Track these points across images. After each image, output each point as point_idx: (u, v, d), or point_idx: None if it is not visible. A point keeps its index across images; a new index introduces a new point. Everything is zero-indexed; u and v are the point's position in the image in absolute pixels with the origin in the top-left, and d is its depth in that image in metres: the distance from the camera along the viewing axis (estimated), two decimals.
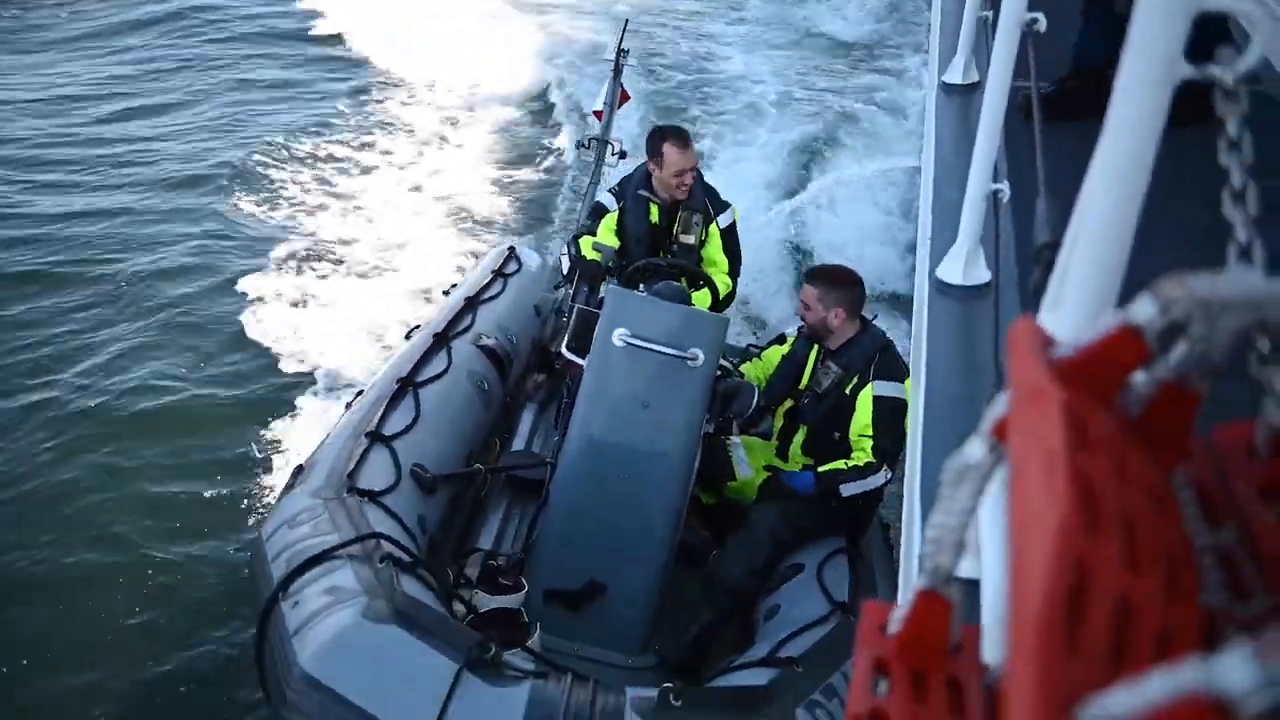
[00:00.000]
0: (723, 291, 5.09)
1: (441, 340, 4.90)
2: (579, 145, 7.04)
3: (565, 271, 5.38)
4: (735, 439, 4.61)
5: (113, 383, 6.27)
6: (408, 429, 4.27)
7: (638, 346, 4.16)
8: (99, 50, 12.26)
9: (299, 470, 4.07)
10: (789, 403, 4.63)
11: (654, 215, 5.12)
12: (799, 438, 4.57)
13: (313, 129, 10.31)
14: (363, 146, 10.14)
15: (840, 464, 4.30)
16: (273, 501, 4.23)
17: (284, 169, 9.42)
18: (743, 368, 4.84)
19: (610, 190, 5.36)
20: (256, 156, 9.48)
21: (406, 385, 4.49)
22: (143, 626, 4.73)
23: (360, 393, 4.67)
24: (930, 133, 3.99)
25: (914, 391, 2.57)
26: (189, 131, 10.12)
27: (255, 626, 3.49)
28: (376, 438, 4.12)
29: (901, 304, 7.19)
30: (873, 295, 6.22)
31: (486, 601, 3.83)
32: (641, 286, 4.68)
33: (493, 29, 13.17)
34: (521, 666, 3.26)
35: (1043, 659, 0.48)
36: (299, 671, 3.15)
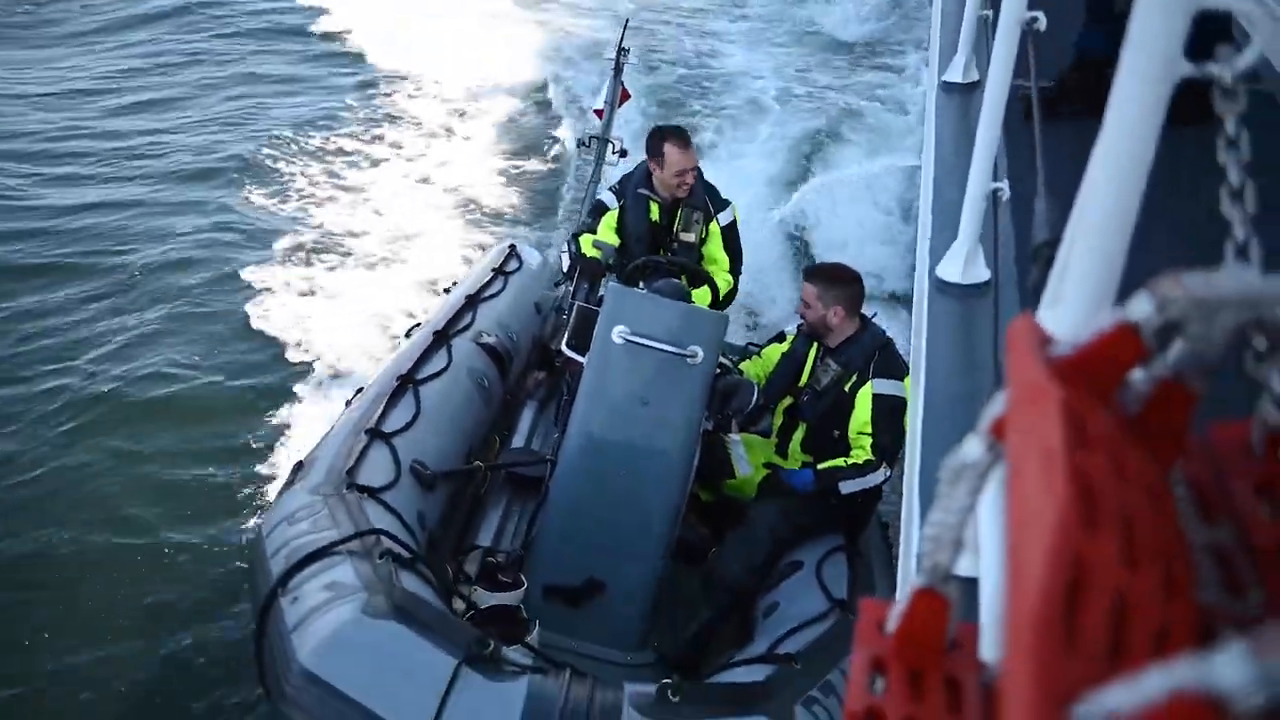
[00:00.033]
0: (724, 289, 5.10)
1: (442, 338, 4.90)
2: (579, 144, 7.04)
3: (565, 269, 5.38)
4: (735, 436, 4.62)
5: (123, 370, 6.37)
6: (407, 426, 4.27)
7: (637, 344, 4.16)
8: (110, 45, 12.38)
9: (299, 467, 4.07)
10: (788, 400, 4.64)
11: (654, 213, 5.13)
12: (798, 435, 4.57)
13: (319, 122, 10.41)
14: (369, 140, 10.22)
15: (839, 462, 4.30)
16: (275, 490, 4.24)
17: (291, 162, 9.52)
18: (742, 365, 4.84)
19: (610, 188, 5.36)
20: (265, 150, 9.58)
21: (406, 382, 4.50)
22: (143, 614, 4.77)
23: (360, 390, 4.67)
24: (930, 131, 3.99)
25: (913, 390, 2.57)
26: (198, 125, 10.23)
27: (254, 622, 3.50)
28: (376, 435, 4.13)
29: (901, 302, 7.20)
30: (872, 293, 6.22)
31: (486, 598, 3.84)
32: (641, 284, 4.68)
33: (493, 28, 13.19)
34: (520, 662, 3.26)
35: (1039, 656, 0.48)
36: (298, 667, 3.15)
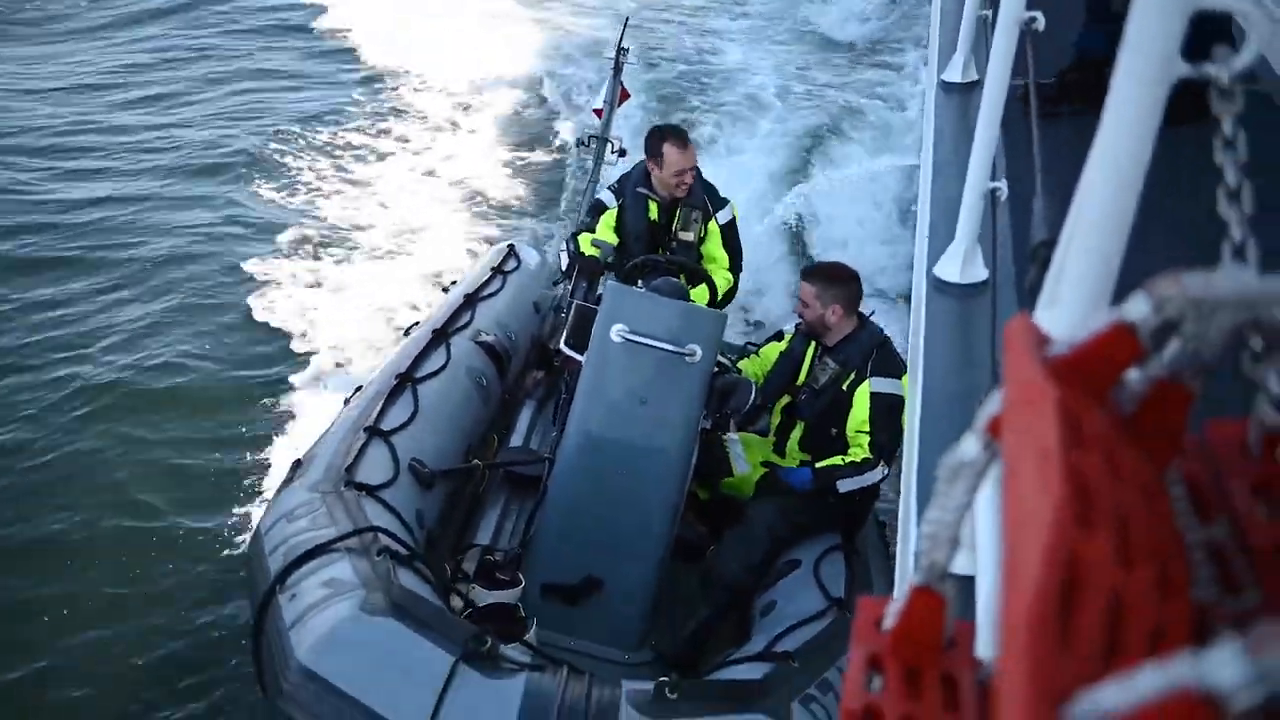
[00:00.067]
0: (724, 288, 5.10)
1: (441, 336, 4.90)
2: (579, 143, 7.05)
3: (564, 268, 5.38)
4: (733, 435, 4.62)
5: (133, 360, 6.51)
6: (406, 424, 4.27)
7: (636, 342, 4.16)
8: (117, 40, 12.52)
9: (297, 464, 4.07)
10: (786, 399, 4.64)
11: (653, 212, 5.13)
12: (796, 434, 4.57)
13: (324, 117, 10.56)
14: (374, 134, 10.36)
15: (837, 460, 4.30)
16: (276, 480, 4.28)
17: (298, 156, 9.66)
18: (740, 364, 4.84)
19: (609, 187, 5.36)
20: (271, 144, 9.73)
21: (405, 381, 4.50)
22: (145, 600, 4.86)
23: (359, 388, 4.67)
24: (929, 131, 4.00)
25: (911, 389, 2.57)
26: (205, 119, 10.35)
27: (252, 619, 3.50)
28: (375, 433, 4.13)
29: (899, 301, 7.20)
30: (871, 293, 6.23)
31: (484, 596, 3.84)
32: (640, 283, 4.68)
33: (494, 27, 13.22)
34: (518, 659, 3.26)
35: (1035, 654, 0.48)
36: (296, 664, 3.15)
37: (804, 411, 4.53)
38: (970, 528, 0.71)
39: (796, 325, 4.67)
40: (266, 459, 5.70)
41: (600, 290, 4.80)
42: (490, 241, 8.04)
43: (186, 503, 5.42)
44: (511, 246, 6.10)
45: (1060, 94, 3.82)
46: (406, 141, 10.29)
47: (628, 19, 7.06)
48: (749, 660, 3.66)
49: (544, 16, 13.99)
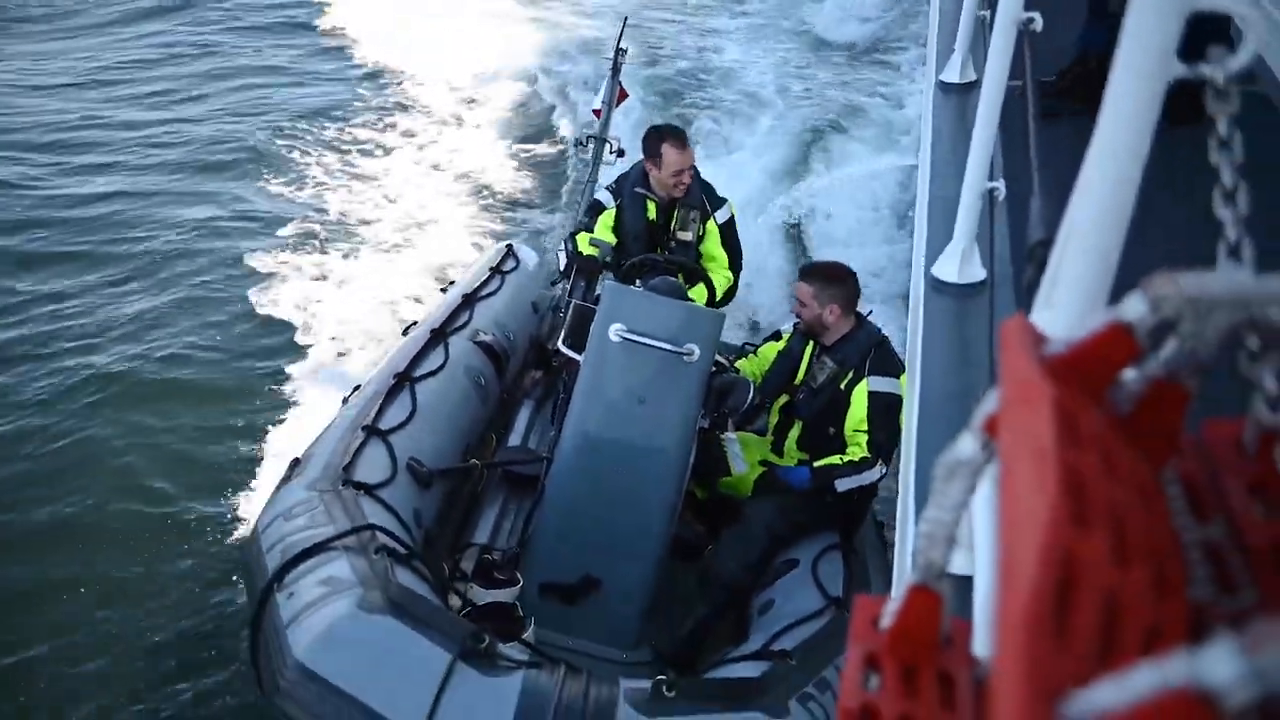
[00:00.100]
0: (724, 286, 5.10)
1: (439, 336, 4.91)
2: (577, 143, 7.05)
3: (562, 268, 5.38)
4: (731, 434, 4.62)
5: (141, 350, 6.70)
6: (404, 423, 4.27)
7: (634, 341, 4.16)
8: (124, 35, 12.73)
9: (295, 463, 4.07)
10: (784, 398, 4.64)
11: (651, 212, 5.13)
12: (794, 433, 4.58)
13: (330, 113, 10.77)
14: (379, 129, 10.55)
15: (835, 459, 4.31)
16: (277, 470, 4.33)
17: (303, 151, 9.84)
18: (739, 364, 4.84)
19: (607, 188, 5.36)
20: (277, 140, 9.91)
21: (403, 380, 4.50)
22: (146, 583, 4.94)
23: (358, 387, 4.68)
24: (927, 131, 4.00)
25: (909, 388, 2.57)
26: (212, 114, 10.54)
27: (250, 617, 3.50)
28: (373, 432, 4.13)
29: (898, 301, 7.21)
30: (870, 293, 6.24)
31: (482, 595, 3.84)
32: (638, 282, 4.68)
33: (494, 27, 13.25)
34: (515, 657, 3.26)
35: (1030, 653, 0.48)
36: (293, 662, 3.16)
37: (802, 411, 4.53)
38: (968, 527, 0.72)
39: (794, 324, 4.68)
40: (270, 448, 5.79)
41: (598, 290, 4.80)
42: (495, 236, 8.27)
43: (190, 489, 5.54)
44: (510, 246, 6.10)
45: (1064, 90, 3.84)
46: (412, 135, 10.48)
47: (625, 19, 7.07)
48: (747, 659, 3.67)
49: (543, 15, 14.03)
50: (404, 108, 11.08)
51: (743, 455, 4.58)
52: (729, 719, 3.25)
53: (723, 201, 5.22)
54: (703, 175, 5.33)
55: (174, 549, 5.13)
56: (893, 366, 4.32)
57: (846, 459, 4.28)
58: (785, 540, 4.33)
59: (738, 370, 4.73)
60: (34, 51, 11.92)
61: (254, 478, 5.54)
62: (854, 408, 4.31)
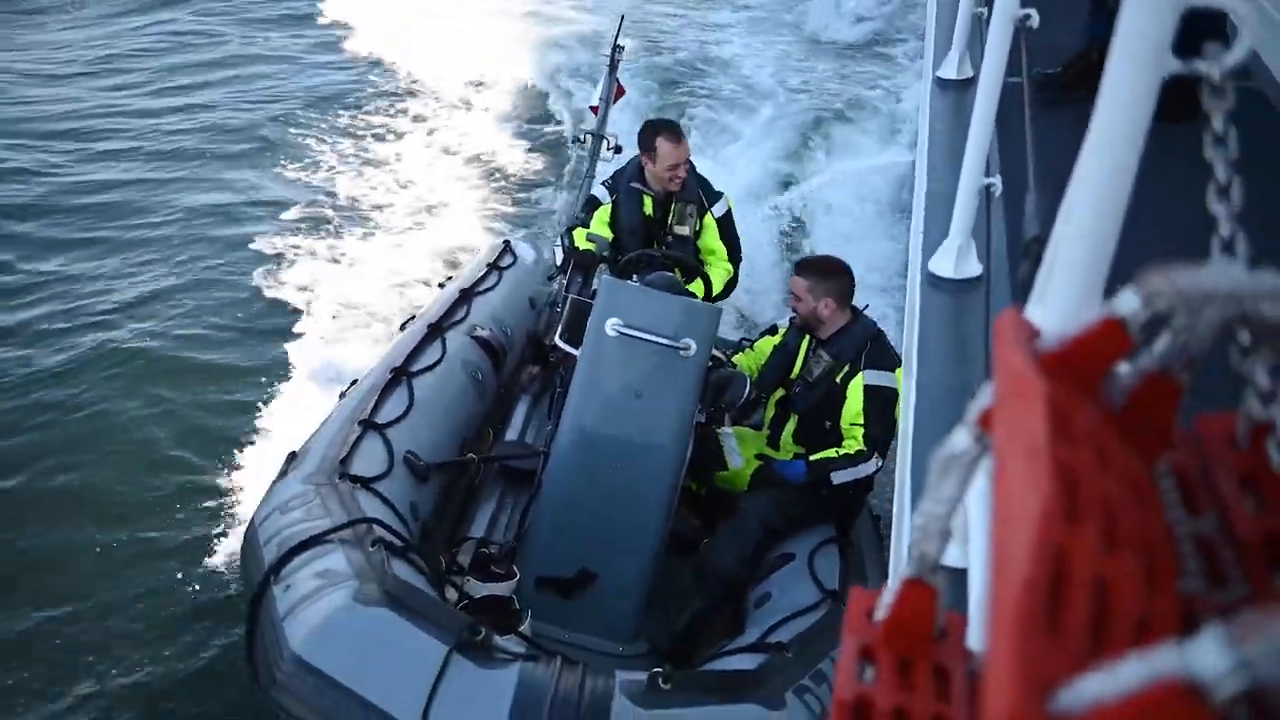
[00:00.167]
0: (725, 279, 5.11)
1: (436, 331, 4.91)
2: (574, 140, 7.05)
3: (559, 263, 5.38)
4: (727, 429, 4.62)
5: (158, 329, 6.90)
6: (401, 417, 4.27)
7: (631, 336, 4.16)
8: (135, 25, 12.88)
9: (292, 456, 4.07)
10: (780, 392, 4.65)
11: (648, 207, 5.13)
12: (790, 427, 4.58)
13: (343, 100, 10.97)
14: (392, 115, 10.76)
15: (831, 452, 4.31)
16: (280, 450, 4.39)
17: (317, 137, 10.05)
18: (735, 358, 4.85)
19: (603, 183, 5.36)
20: (290, 128, 10.14)
21: (400, 374, 4.50)
22: (146, 562, 5.01)
23: (355, 381, 4.68)
24: (924, 127, 4.01)
25: (906, 383, 2.58)
26: (225, 102, 10.76)
27: (247, 610, 3.50)
28: (370, 425, 4.13)
29: (895, 296, 7.23)
30: (866, 288, 6.25)
31: (478, 588, 3.84)
32: (635, 278, 4.68)
33: (494, 24, 13.27)
34: (512, 650, 3.27)
35: (1022, 646, 0.49)
36: (290, 654, 3.16)
37: (798, 404, 4.54)
38: (963, 521, 0.72)
39: (790, 319, 4.68)
40: (277, 424, 5.88)
41: (595, 285, 4.80)
42: (506, 219, 8.59)
43: (195, 465, 5.65)
44: (507, 242, 6.11)
45: (1067, 84, 3.85)
46: (422, 120, 10.73)
47: (623, 16, 7.07)
48: (743, 651, 3.67)
49: (542, 11, 14.04)
50: (412, 94, 11.28)
51: (739, 449, 4.59)
52: (725, 711, 3.26)
53: (719, 195, 5.22)
54: (701, 167, 5.34)
55: (177, 525, 5.23)
56: (888, 360, 4.33)
57: (842, 452, 4.29)
58: (780, 534, 4.34)
59: (734, 365, 4.73)
60: (48, 41, 12.12)
61: (258, 455, 5.62)
62: (850, 401, 4.32)
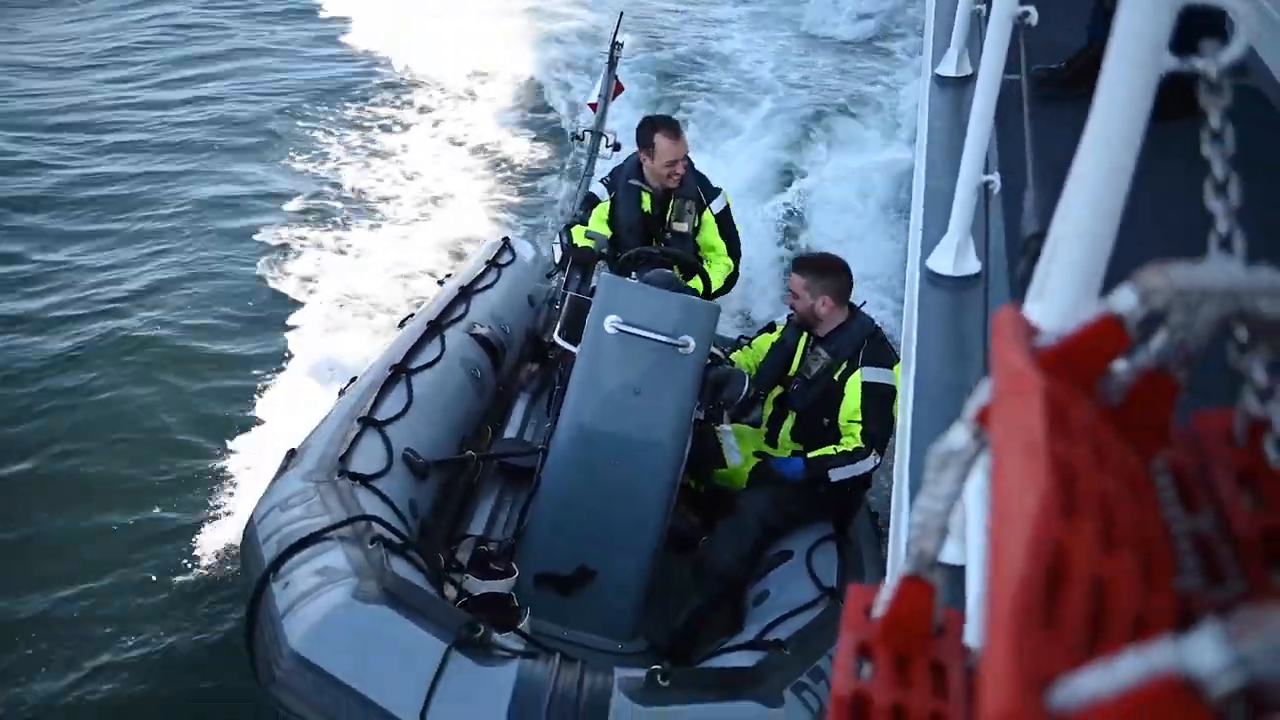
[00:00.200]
0: (726, 273, 5.12)
1: (435, 328, 4.91)
2: (573, 137, 7.06)
3: (558, 260, 5.38)
4: (726, 426, 4.63)
5: (167, 318, 7.02)
6: (400, 415, 4.28)
7: (630, 333, 4.17)
8: (139, 17, 13.02)
9: (291, 454, 4.07)
10: (778, 389, 4.65)
11: (646, 204, 5.13)
12: (788, 424, 4.59)
13: (350, 93, 11.14)
14: (396, 107, 10.92)
15: (829, 449, 4.32)
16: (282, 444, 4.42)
17: (325, 129, 10.21)
18: (733, 356, 4.85)
19: (602, 181, 5.36)
20: (297, 120, 10.30)
21: (399, 372, 4.50)
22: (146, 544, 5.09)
23: (354, 379, 4.68)
24: (923, 124, 4.00)
25: (904, 380, 2.58)
26: (232, 94, 10.91)
27: (246, 607, 3.50)
28: (369, 423, 4.13)
29: (893, 294, 7.24)
30: (864, 285, 6.25)
31: (477, 586, 3.85)
32: (634, 275, 4.68)
33: (493, 24, 13.28)
34: (510, 647, 3.27)
35: (1019, 642, 0.49)
36: (289, 651, 3.16)
37: (796, 402, 4.54)
38: (961, 518, 0.72)
39: (788, 316, 4.68)
40: (280, 416, 5.92)
41: (594, 282, 4.80)
42: (512, 209, 8.73)
43: (204, 451, 5.73)
44: (506, 240, 6.11)
45: (1068, 80, 3.86)
46: (427, 111, 10.91)
47: (621, 13, 7.07)
48: (741, 649, 3.68)
49: (542, 7, 14.06)
50: (417, 86, 11.43)
51: (737, 447, 4.59)
52: (723, 708, 3.26)
53: (717, 191, 5.22)
54: (701, 162, 5.33)
55: (182, 510, 5.29)
56: (886, 357, 4.34)
57: (840, 449, 4.29)
58: (779, 531, 4.35)
59: (732, 362, 4.74)
60: (56, 34, 12.24)
61: (262, 441, 5.66)
62: (848, 398, 4.32)
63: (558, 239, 5.36)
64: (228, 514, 5.23)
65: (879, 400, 4.25)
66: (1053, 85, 3.96)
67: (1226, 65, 0.81)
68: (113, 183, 8.86)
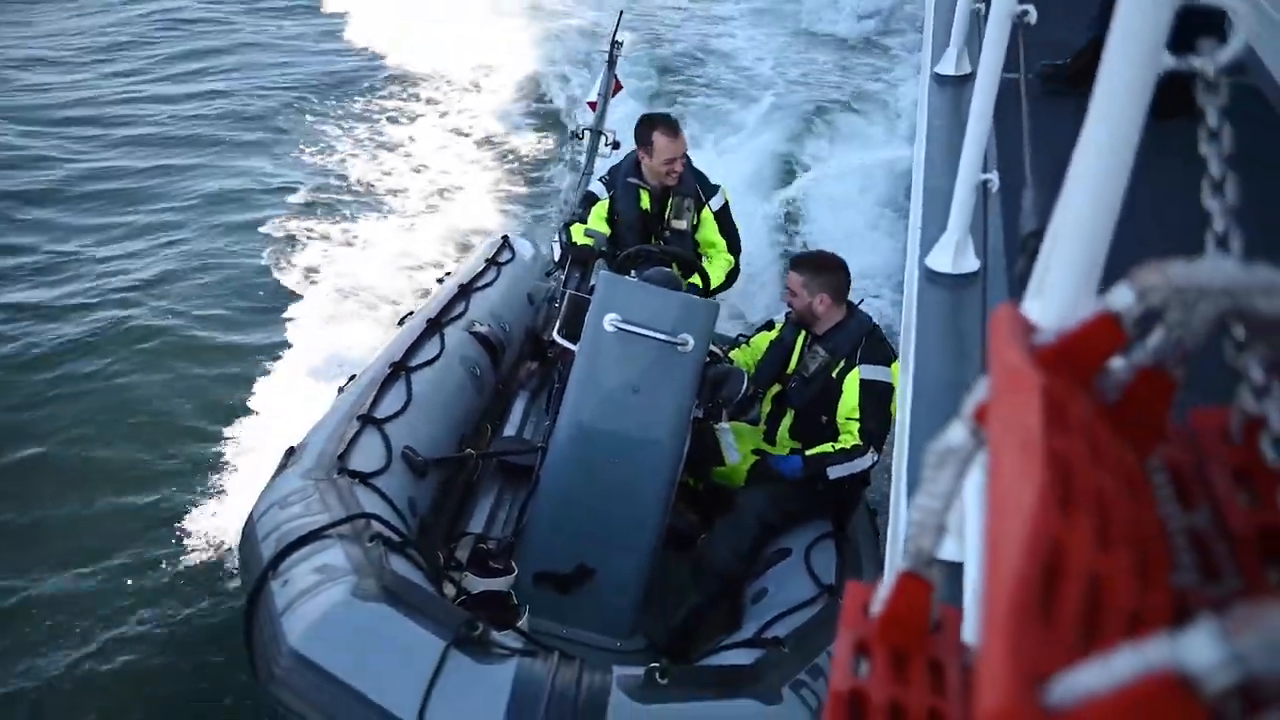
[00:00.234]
0: (727, 268, 5.12)
1: (435, 326, 4.90)
2: (573, 135, 7.06)
3: (557, 258, 5.37)
4: (724, 424, 4.63)
5: (183, 308, 7.11)
6: (399, 413, 4.27)
7: (629, 332, 4.16)
8: (142, 11, 13.13)
9: (290, 452, 4.07)
10: (777, 387, 4.65)
11: (645, 202, 5.12)
12: (786, 422, 4.59)
13: (351, 86, 11.24)
14: (404, 100, 11.04)
15: (827, 447, 4.32)
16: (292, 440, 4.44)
17: (327, 123, 10.29)
18: (732, 354, 4.85)
19: (600, 179, 5.36)
20: (304, 114, 10.40)
21: (399, 370, 4.50)
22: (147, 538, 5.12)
23: (353, 377, 4.67)
24: (922, 123, 4.01)
25: (903, 377, 2.59)
26: (239, 89, 11.00)
27: (245, 605, 3.50)
28: (368, 421, 4.13)
29: (892, 292, 7.24)
30: (863, 284, 6.26)
31: (476, 584, 3.84)
32: (633, 273, 4.68)
33: (494, 23, 13.29)
34: (509, 645, 3.27)
35: (1015, 638, 0.49)
36: (287, 649, 3.16)
37: (794, 399, 4.54)
38: (959, 515, 0.72)
39: (787, 314, 4.69)
40: (285, 406, 5.94)
41: (593, 280, 4.80)
42: (518, 201, 8.82)
43: (210, 437, 5.80)
44: (505, 238, 6.10)
45: (1072, 77, 3.86)
46: (434, 103, 11.01)
47: (621, 13, 7.07)
48: (740, 646, 3.67)
49: (542, 6, 14.07)
50: (423, 79, 11.51)
51: (736, 445, 4.60)
52: (722, 706, 3.26)
53: (716, 188, 5.21)
54: (700, 159, 5.33)
55: (187, 498, 5.34)
56: (884, 355, 4.34)
57: (838, 447, 4.29)
58: (777, 529, 4.35)
59: (731, 360, 4.74)
60: (63, 28, 12.33)
61: (266, 431, 5.70)
62: (846, 396, 4.32)
63: (557, 237, 5.35)
64: (234, 503, 5.24)
65: (877, 398, 4.26)
66: (1058, 81, 3.97)
67: (1224, 64, 0.81)
68: (122, 176, 8.95)
